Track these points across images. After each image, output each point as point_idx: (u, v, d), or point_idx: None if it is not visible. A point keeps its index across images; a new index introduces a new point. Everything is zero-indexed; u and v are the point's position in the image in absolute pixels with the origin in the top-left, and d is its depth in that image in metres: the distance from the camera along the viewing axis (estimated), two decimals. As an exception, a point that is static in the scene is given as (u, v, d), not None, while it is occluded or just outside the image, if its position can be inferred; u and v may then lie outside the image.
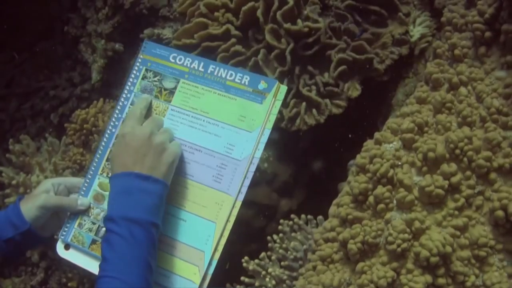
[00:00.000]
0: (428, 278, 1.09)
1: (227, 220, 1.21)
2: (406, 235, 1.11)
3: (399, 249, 1.11)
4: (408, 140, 1.22)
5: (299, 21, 1.61)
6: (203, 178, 1.23)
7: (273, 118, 1.24)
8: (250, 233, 1.77)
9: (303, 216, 1.57)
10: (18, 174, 2.03)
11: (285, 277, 1.46)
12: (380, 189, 1.17)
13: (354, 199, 1.22)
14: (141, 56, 1.32)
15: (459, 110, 1.22)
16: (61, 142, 2.11)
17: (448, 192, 1.15)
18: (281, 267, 1.50)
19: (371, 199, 1.19)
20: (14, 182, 1.98)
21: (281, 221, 1.57)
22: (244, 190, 1.22)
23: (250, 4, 1.63)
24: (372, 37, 1.66)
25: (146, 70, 1.31)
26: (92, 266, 1.24)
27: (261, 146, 1.23)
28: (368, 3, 1.66)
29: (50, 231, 1.30)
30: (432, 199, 1.14)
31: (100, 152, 1.30)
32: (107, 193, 1.25)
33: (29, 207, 1.23)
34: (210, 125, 1.25)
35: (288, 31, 1.60)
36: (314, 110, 1.64)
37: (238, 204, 1.21)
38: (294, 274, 1.46)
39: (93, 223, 1.26)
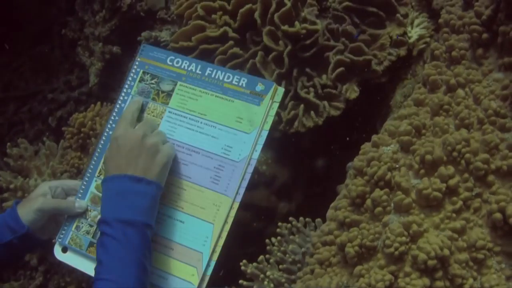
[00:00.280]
0: (426, 281, 1.08)
1: (225, 221, 1.21)
2: (403, 238, 1.11)
3: (396, 252, 1.10)
4: (405, 143, 1.22)
5: (296, 23, 1.60)
6: (200, 180, 1.24)
7: (270, 120, 1.25)
8: (248, 236, 1.77)
9: (301, 218, 1.56)
10: (16, 178, 2.03)
11: (283, 280, 1.46)
12: (377, 192, 1.17)
13: (352, 202, 1.22)
14: (139, 59, 1.33)
15: (457, 112, 1.22)
16: (59, 146, 2.11)
17: (445, 194, 1.14)
18: (279, 270, 1.50)
19: (368, 202, 1.19)
20: (12, 186, 1.98)
21: (280, 224, 1.57)
22: (242, 191, 1.22)
23: (248, 6, 1.63)
24: (370, 38, 1.66)
25: (144, 72, 1.32)
26: (89, 268, 1.24)
27: (259, 148, 1.24)
28: (366, 5, 1.66)
29: (47, 234, 1.30)
30: (429, 202, 1.14)
31: (97, 154, 1.30)
32: (104, 195, 1.25)
33: (27, 211, 1.23)
34: (207, 127, 1.26)
35: (286, 33, 1.60)
36: (312, 112, 1.63)
37: (236, 205, 1.22)
38: (293, 277, 1.45)
39: (91, 226, 1.27)
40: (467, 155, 1.14)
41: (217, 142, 1.25)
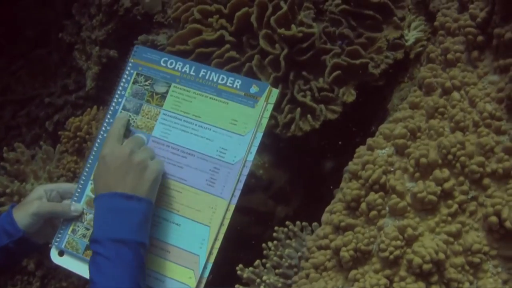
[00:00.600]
0: (422, 285, 1.07)
1: (221, 224, 1.21)
2: (398, 242, 1.10)
3: (391, 256, 1.09)
4: (400, 146, 1.21)
5: (293, 26, 1.60)
6: (196, 182, 1.24)
7: (265, 122, 1.25)
8: (246, 240, 1.76)
9: (298, 223, 1.56)
10: (13, 182, 2.02)
11: (280, 284, 1.45)
12: (372, 196, 1.16)
13: (347, 206, 1.21)
14: (132, 60, 1.33)
15: (452, 115, 1.21)
16: (56, 150, 2.11)
17: (441, 198, 1.13)
18: (276, 274, 1.49)
19: (363, 205, 1.18)
20: (8, 190, 1.98)
21: (276, 228, 1.56)
22: (238, 193, 1.22)
23: (244, 9, 1.63)
24: (367, 41, 1.66)
25: (137, 74, 1.31)
26: (86, 272, 1.22)
27: (254, 150, 1.24)
28: (362, 8, 1.65)
29: (44, 238, 1.29)
30: (424, 205, 1.13)
31: (92, 157, 1.30)
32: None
33: (22, 215, 1.22)
34: (202, 129, 1.26)
35: (282, 37, 1.60)
36: (309, 116, 1.63)
37: (232, 207, 1.22)
38: (289, 281, 1.44)
39: (87, 229, 1.26)
40: (462, 158, 1.14)
41: (212, 144, 1.24)
